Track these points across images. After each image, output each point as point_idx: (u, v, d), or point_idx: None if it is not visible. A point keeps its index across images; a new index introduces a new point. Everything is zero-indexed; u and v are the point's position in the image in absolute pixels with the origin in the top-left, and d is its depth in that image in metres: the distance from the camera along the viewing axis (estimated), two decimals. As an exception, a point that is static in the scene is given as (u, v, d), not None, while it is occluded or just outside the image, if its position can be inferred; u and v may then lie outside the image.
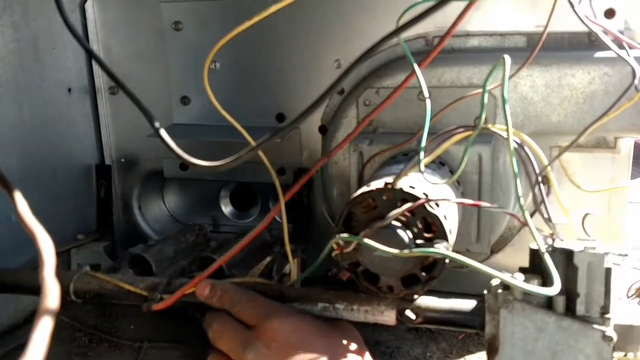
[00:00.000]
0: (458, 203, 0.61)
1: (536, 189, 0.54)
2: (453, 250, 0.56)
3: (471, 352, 0.71)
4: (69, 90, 0.88)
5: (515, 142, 0.55)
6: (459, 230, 0.61)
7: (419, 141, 0.54)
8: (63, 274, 0.66)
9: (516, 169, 0.51)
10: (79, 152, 0.91)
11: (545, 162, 0.56)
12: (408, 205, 0.54)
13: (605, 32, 0.63)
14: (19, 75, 0.79)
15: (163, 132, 0.52)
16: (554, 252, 0.51)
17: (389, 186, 0.55)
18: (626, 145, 0.71)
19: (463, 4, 0.49)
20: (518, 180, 0.51)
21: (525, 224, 0.52)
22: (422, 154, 0.53)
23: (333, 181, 0.80)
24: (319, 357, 0.55)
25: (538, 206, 0.54)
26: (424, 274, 0.56)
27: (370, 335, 0.63)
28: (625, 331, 0.51)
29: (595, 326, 0.50)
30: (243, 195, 0.97)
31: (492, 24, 0.72)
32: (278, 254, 0.79)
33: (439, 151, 0.57)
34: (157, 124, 0.52)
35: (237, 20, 0.55)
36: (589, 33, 0.68)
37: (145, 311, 0.62)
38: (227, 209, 0.98)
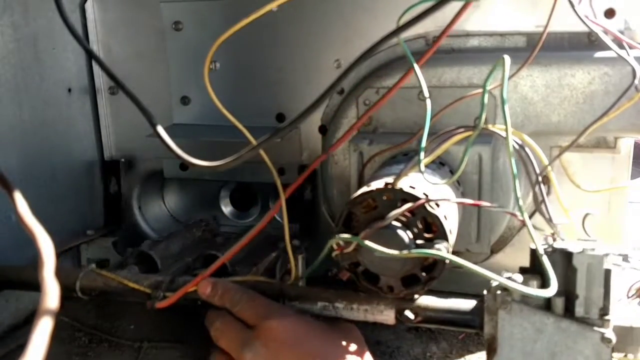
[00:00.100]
0: (458, 203, 0.61)
1: (536, 189, 0.54)
2: (453, 250, 0.56)
3: (471, 352, 0.71)
4: (69, 90, 0.88)
5: (516, 142, 0.55)
6: (459, 230, 0.61)
7: (419, 141, 0.54)
8: (69, 272, 0.68)
9: (515, 169, 0.51)
10: (79, 152, 0.91)
11: (546, 162, 0.56)
12: (408, 205, 0.54)
13: (605, 32, 0.63)
14: (19, 75, 0.79)
15: (163, 132, 0.52)
16: (553, 252, 0.51)
17: (389, 186, 0.55)
18: (626, 145, 0.71)
19: (462, 4, 0.49)
20: (517, 181, 0.51)
21: (524, 223, 0.52)
22: (422, 154, 0.53)
23: (333, 181, 0.80)
24: (315, 357, 0.55)
25: (538, 206, 0.54)
26: (424, 274, 0.56)
27: (370, 334, 0.64)
28: (624, 332, 0.51)
29: (594, 328, 0.50)
30: (243, 195, 0.97)
31: (492, 24, 0.72)
32: (282, 250, 0.79)
33: (439, 151, 0.57)
34: (157, 124, 0.52)
35: (237, 20, 0.55)
36: (589, 33, 0.68)
37: (149, 309, 0.63)
38: (227, 209, 0.98)
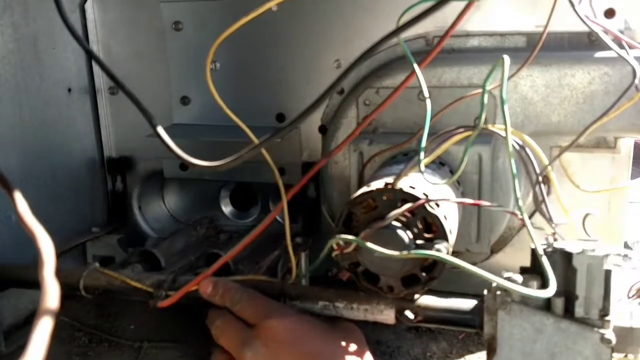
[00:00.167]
0: (458, 203, 0.61)
1: (536, 189, 0.54)
2: (453, 250, 0.56)
3: (471, 352, 0.71)
4: (69, 90, 0.88)
5: (516, 142, 0.55)
6: (459, 230, 0.61)
7: (419, 141, 0.54)
8: (73, 271, 0.68)
9: (515, 170, 0.51)
10: (79, 152, 0.91)
11: (546, 162, 0.56)
12: (408, 205, 0.54)
13: (606, 31, 0.63)
14: (19, 75, 0.79)
15: (163, 132, 0.52)
16: (553, 253, 0.51)
17: (389, 186, 0.55)
18: (626, 145, 0.71)
19: (463, 4, 0.49)
20: (516, 181, 0.51)
21: (524, 224, 0.52)
22: (422, 154, 0.53)
23: (333, 181, 0.80)
24: (315, 357, 0.55)
25: (538, 206, 0.55)
26: (424, 274, 0.56)
27: (370, 334, 0.64)
28: (624, 333, 0.51)
29: (594, 328, 0.50)
30: (243, 195, 0.97)
31: (492, 24, 0.72)
32: (285, 249, 0.79)
33: (439, 151, 0.57)
34: (157, 124, 0.52)
35: (237, 20, 0.55)
36: (589, 33, 0.68)
37: (151, 308, 0.63)
38: (227, 209, 0.98)
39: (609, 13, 0.68)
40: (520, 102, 0.70)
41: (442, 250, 0.53)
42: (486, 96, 0.51)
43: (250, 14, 0.53)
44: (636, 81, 0.59)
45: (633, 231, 0.85)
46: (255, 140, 0.60)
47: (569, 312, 0.51)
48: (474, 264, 0.75)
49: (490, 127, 0.56)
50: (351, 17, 0.77)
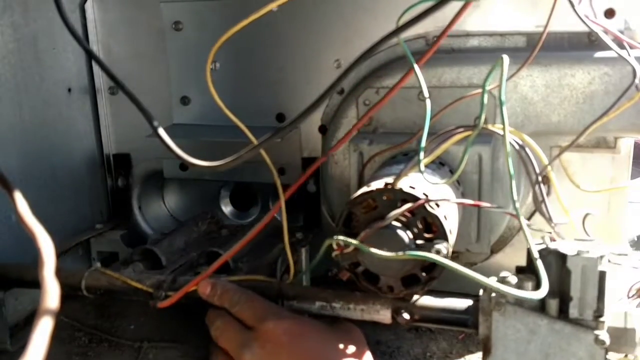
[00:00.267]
0: (458, 203, 0.61)
1: (536, 189, 0.54)
2: (453, 250, 0.56)
3: (471, 352, 0.71)
4: (69, 90, 0.88)
5: (516, 142, 0.55)
6: (459, 230, 0.61)
7: (419, 141, 0.54)
8: (75, 271, 0.69)
9: (512, 170, 0.51)
10: (79, 152, 0.91)
11: (546, 161, 0.56)
12: (408, 205, 0.54)
13: (605, 31, 0.63)
14: (19, 75, 0.79)
15: (163, 132, 0.52)
16: (548, 254, 0.51)
17: (389, 186, 0.55)
18: (626, 145, 0.71)
19: (462, 4, 0.49)
20: (514, 182, 0.51)
21: (521, 226, 0.52)
22: (421, 154, 0.53)
23: (333, 181, 0.80)
24: (313, 358, 0.56)
25: (538, 206, 0.55)
26: (424, 274, 0.56)
27: (370, 334, 0.64)
28: (618, 334, 0.51)
29: (588, 329, 0.50)
30: (243, 195, 0.97)
31: (492, 24, 0.72)
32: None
33: (438, 151, 0.57)
34: (156, 124, 0.52)
35: (237, 20, 0.55)
36: (589, 33, 0.68)
37: (151, 308, 0.64)
38: (227, 208, 0.98)
39: (609, 13, 0.68)
40: (520, 102, 0.70)
41: (442, 250, 0.53)
42: (486, 96, 0.51)
43: (251, 16, 0.53)
44: (636, 81, 0.59)
45: (633, 228, 0.85)
46: (254, 141, 0.61)
47: (563, 313, 0.51)
48: (474, 264, 0.76)
49: (490, 127, 0.56)
50: (351, 17, 0.77)
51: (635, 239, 0.84)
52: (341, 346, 0.58)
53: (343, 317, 0.60)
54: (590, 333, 0.50)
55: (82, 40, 0.62)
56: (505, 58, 0.50)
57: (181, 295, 0.62)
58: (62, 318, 0.79)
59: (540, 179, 0.55)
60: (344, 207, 0.57)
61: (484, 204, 0.57)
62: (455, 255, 0.73)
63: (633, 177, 0.75)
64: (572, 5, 0.61)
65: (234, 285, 0.63)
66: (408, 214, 0.54)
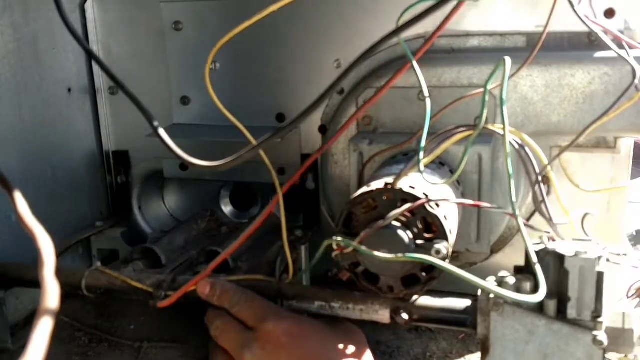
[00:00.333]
0: (458, 203, 0.61)
1: (536, 189, 0.54)
2: (453, 250, 0.56)
3: (471, 352, 0.71)
4: (69, 90, 0.88)
5: (516, 142, 0.55)
6: (459, 230, 0.61)
7: (419, 141, 0.54)
8: (75, 271, 0.69)
9: (511, 171, 0.51)
10: (79, 152, 0.91)
11: (546, 161, 0.56)
12: (408, 205, 0.54)
13: (605, 32, 0.63)
14: (19, 75, 0.79)
15: (163, 132, 0.52)
16: (546, 255, 0.51)
17: (389, 186, 0.55)
18: (626, 145, 0.71)
19: (462, 4, 0.49)
20: (512, 182, 0.51)
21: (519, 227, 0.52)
22: (421, 154, 0.53)
23: (333, 181, 0.80)
24: (312, 358, 0.56)
25: (538, 206, 0.54)
26: (424, 274, 0.56)
27: (370, 334, 0.64)
28: (616, 334, 0.51)
29: (586, 330, 0.50)
30: (243, 195, 0.97)
31: (492, 24, 0.72)
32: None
33: (438, 151, 0.57)
34: (156, 124, 0.52)
35: (237, 20, 0.55)
36: (589, 33, 0.68)
37: (152, 307, 0.64)
38: (227, 208, 0.98)
39: (609, 13, 0.68)
40: (520, 102, 0.70)
41: (442, 250, 0.53)
42: (487, 96, 0.51)
43: (253, 18, 0.54)
44: (636, 81, 0.59)
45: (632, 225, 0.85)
46: (253, 141, 0.61)
47: (561, 314, 0.51)
48: (474, 263, 0.76)
49: (490, 126, 0.56)
50: (351, 18, 0.77)
51: (635, 234, 0.84)
52: (341, 346, 0.58)
53: (342, 317, 0.60)
54: (588, 333, 0.50)
55: (82, 40, 0.62)
56: (508, 60, 0.50)
57: (181, 294, 0.62)
58: (62, 318, 0.79)
59: (540, 179, 0.55)
60: (344, 207, 0.57)
61: (483, 204, 0.57)
62: (455, 255, 0.73)
63: (633, 177, 0.75)
64: (572, 6, 0.61)
65: (233, 285, 0.63)
66: (408, 214, 0.54)
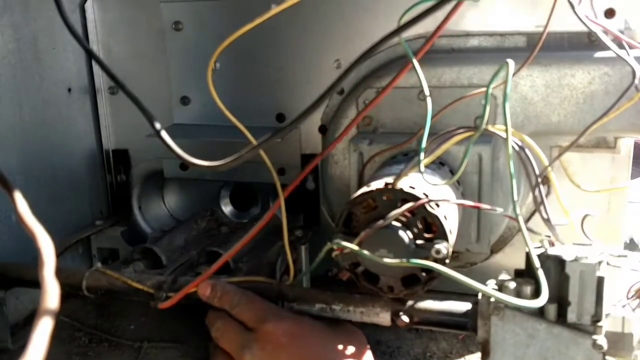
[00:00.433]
0: (458, 204, 0.61)
1: (536, 192, 0.54)
2: (453, 250, 0.56)
3: (471, 352, 0.71)
4: (69, 90, 0.88)
5: (516, 142, 0.55)
6: (459, 230, 0.61)
7: (419, 141, 0.54)
8: (75, 271, 0.69)
9: (513, 174, 0.51)
10: (79, 152, 0.91)
11: (546, 162, 0.56)
12: (408, 205, 0.54)
13: (605, 32, 0.63)
14: (19, 75, 0.79)
15: (163, 132, 0.52)
16: (547, 259, 0.51)
17: (389, 186, 0.55)
18: (626, 145, 0.71)
19: (463, 4, 0.49)
20: (514, 185, 0.51)
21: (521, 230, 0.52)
22: (422, 154, 0.53)
23: (333, 181, 0.80)
24: (312, 359, 0.56)
25: (538, 207, 0.54)
26: (424, 274, 0.56)
27: (371, 334, 0.64)
28: (616, 338, 0.51)
29: (586, 334, 0.50)
30: (243, 195, 0.97)
31: (492, 24, 0.72)
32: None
33: (439, 152, 0.57)
34: (157, 124, 0.52)
35: (237, 20, 0.55)
36: (589, 33, 0.68)
37: (152, 308, 0.64)
38: (227, 208, 0.98)
39: (609, 13, 0.68)
40: (520, 102, 0.70)
41: (442, 250, 0.53)
42: (488, 97, 0.51)
43: (255, 20, 0.54)
44: (636, 81, 0.59)
45: (632, 232, 0.85)
46: (253, 141, 0.61)
47: (561, 318, 0.51)
48: (474, 263, 0.76)
49: (490, 127, 0.56)
50: (351, 18, 0.77)
51: (628, 242, 0.84)
52: (341, 347, 0.58)
53: (343, 319, 0.60)
54: (588, 338, 0.50)
55: (82, 40, 0.62)
56: (511, 62, 0.50)
57: (181, 296, 0.62)
58: (62, 318, 0.79)
59: (540, 180, 0.54)
60: (344, 207, 0.57)
61: (483, 206, 0.57)
62: (455, 255, 0.73)
63: (633, 177, 0.75)
64: (572, 6, 0.61)
65: (233, 286, 0.63)
66: (408, 214, 0.54)
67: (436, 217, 0.54)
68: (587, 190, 0.67)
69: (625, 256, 0.55)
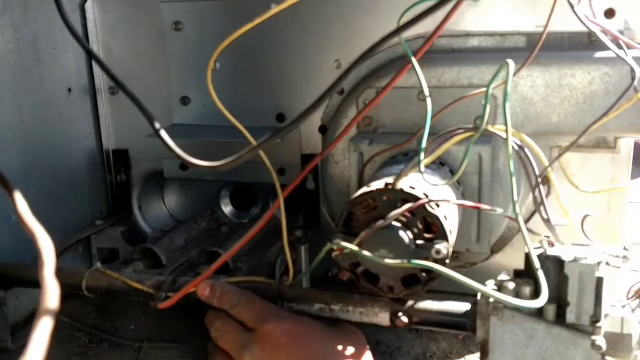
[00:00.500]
0: (458, 205, 0.61)
1: (536, 192, 0.54)
2: (454, 250, 0.56)
3: (471, 352, 0.71)
4: (69, 90, 0.88)
5: (515, 142, 0.55)
6: (459, 230, 0.61)
7: (419, 141, 0.54)
8: (75, 271, 0.69)
9: (513, 173, 0.51)
10: (79, 152, 0.91)
11: (546, 162, 0.56)
12: (408, 205, 0.54)
13: (604, 32, 0.63)
14: (19, 75, 0.79)
15: (163, 133, 0.52)
16: (546, 260, 0.51)
17: (389, 186, 0.55)
18: (626, 145, 0.71)
19: (463, 4, 0.49)
20: (515, 185, 0.51)
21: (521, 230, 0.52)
22: (422, 154, 0.53)
23: (333, 181, 0.80)
24: (311, 359, 0.56)
25: (538, 207, 0.54)
26: (424, 274, 0.56)
27: (370, 334, 0.64)
28: (615, 339, 0.51)
29: (585, 334, 0.50)
30: (243, 195, 0.97)
31: (492, 24, 0.72)
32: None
33: (439, 152, 0.57)
34: (157, 124, 0.52)
35: (237, 20, 0.55)
36: (589, 33, 0.68)
37: (152, 308, 0.64)
38: (227, 208, 0.98)
39: (609, 13, 0.68)
40: (520, 102, 0.70)
41: (442, 250, 0.53)
42: (488, 97, 0.51)
43: (255, 20, 0.54)
44: (635, 82, 0.59)
45: (631, 233, 0.85)
46: (253, 141, 0.61)
47: (560, 318, 0.51)
48: (474, 263, 0.76)
49: (490, 127, 0.56)
50: (351, 18, 0.77)
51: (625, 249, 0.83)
52: (341, 347, 0.58)
53: (343, 319, 0.60)
54: (587, 338, 0.50)
55: (82, 40, 0.62)
56: (511, 62, 0.50)
57: (181, 296, 0.62)
58: (62, 318, 0.79)
59: (540, 180, 0.54)
60: (344, 207, 0.57)
61: (483, 206, 0.57)
62: (455, 255, 0.73)
63: (633, 177, 0.75)
64: (571, 6, 0.61)
65: (232, 286, 0.63)
66: (408, 214, 0.54)
67: (436, 217, 0.54)
68: (587, 190, 0.67)
69: (625, 256, 0.55)
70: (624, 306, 0.54)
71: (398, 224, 0.54)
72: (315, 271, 0.62)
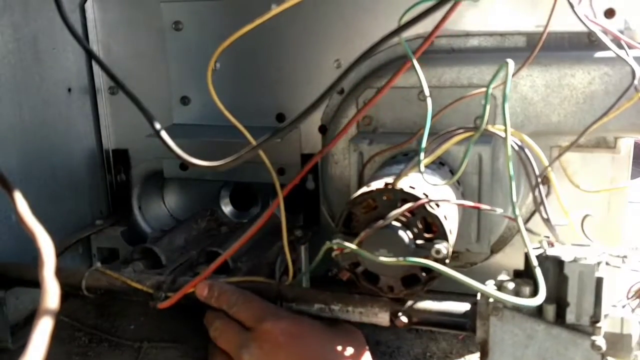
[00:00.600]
0: (458, 205, 0.61)
1: (536, 192, 0.54)
2: (453, 250, 0.56)
3: (471, 352, 0.71)
4: (69, 90, 0.88)
5: (516, 142, 0.55)
6: (459, 230, 0.61)
7: (419, 141, 0.54)
8: (75, 271, 0.70)
9: (512, 174, 0.51)
10: (79, 152, 0.91)
11: (546, 162, 0.56)
12: (408, 205, 0.54)
13: (605, 31, 0.63)
14: (19, 75, 0.79)
15: (163, 133, 0.52)
16: (545, 260, 0.51)
17: (389, 186, 0.55)
18: (626, 145, 0.71)
19: (463, 4, 0.49)
20: (514, 186, 0.51)
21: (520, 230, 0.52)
22: (422, 154, 0.53)
23: (333, 181, 0.80)
24: (310, 359, 0.56)
25: (538, 207, 0.54)
26: (424, 274, 0.56)
27: (370, 334, 0.64)
28: (614, 339, 0.51)
29: (585, 335, 0.50)
30: (243, 195, 0.97)
31: (492, 24, 0.72)
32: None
33: (439, 152, 0.57)
34: (157, 124, 0.52)
35: (237, 20, 0.55)
36: (589, 33, 0.68)
37: (152, 308, 0.64)
38: (227, 208, 0.98)
39: (609, 13, 0.68)
40: (520, 102, 0.70)
41: (442, 251, 0.53)
42: (488, 97, 0.51)
43: (256, 20, 0.54)
44: (635, 81, 0.59)
45: (631, 236, 0.85)
46: (253, 141, 0.61)
47: (560, 318, 0.51)
48: (474, 263, 0.76)
49: (490, 127, 0.56)
50: (351, 18, 0.77)
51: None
52: (340, 347, 0.58)
53: (342, 319, 0.60)
54: (587, 338, 0.50)
55: (82, 40, 0.62)
56: (511, 62, 0.50)
57: (180, 296, 0.62)
58: (62, 318, 0.79)
59: (540, 180, 0.54)
60: (344, 207, 0.57)
61: (483, 206, 0.57)
62: (455, 255, 0.73)
63: (633, 177, 0.75)
64: (572, 6, 0.61)
65: (231, 286, 0.63)
66: (408, 214, 0.54)
67: (436, 217, 0.54)
68: (587, 190, 0.67)
69: (625, 256, 0.55)
70: (624, 306, 0.54)
71: (398, 224, 0.54)
72: (315, 271, 0.62)
